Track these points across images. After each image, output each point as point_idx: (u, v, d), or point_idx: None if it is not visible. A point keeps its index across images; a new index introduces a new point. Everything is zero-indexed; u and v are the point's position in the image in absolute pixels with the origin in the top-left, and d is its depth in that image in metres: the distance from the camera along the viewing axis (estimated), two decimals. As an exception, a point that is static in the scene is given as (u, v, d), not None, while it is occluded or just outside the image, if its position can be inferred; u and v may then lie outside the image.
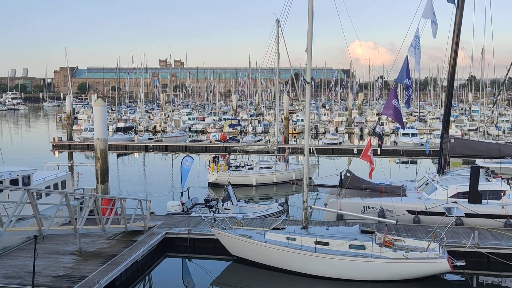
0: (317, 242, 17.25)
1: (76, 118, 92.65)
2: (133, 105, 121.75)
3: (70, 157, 52.01)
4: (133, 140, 59.90)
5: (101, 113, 23.21)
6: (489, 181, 22.53)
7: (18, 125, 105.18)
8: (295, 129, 72.04)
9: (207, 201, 25.19)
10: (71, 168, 34.55)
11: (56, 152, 54.84)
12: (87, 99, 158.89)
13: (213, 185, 34.02)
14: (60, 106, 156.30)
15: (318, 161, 37.01)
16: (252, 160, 38.31)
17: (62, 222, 20.06)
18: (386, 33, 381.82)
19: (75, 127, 74.53)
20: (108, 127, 31.51)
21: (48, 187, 21.51)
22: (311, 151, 33.21)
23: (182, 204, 24.77)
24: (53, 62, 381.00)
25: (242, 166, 36.01)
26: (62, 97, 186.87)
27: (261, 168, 35.67)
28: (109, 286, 15.37)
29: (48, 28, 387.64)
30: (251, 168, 35.43)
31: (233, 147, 44.39)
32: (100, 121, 23.29)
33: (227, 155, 37.08)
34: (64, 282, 14.83)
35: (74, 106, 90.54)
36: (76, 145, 57.22)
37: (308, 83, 19.05)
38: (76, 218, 16.34)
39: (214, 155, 38.40)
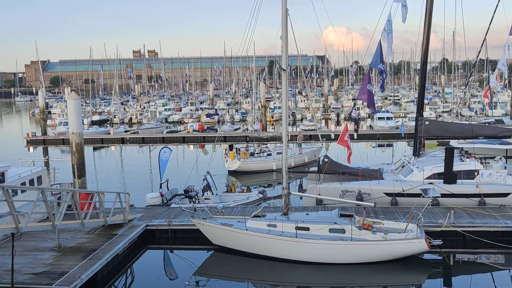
0: (297, 228, 17.42)
1: (49, 112, 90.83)
2: (107, 98, 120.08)
3: (45, 152, 51.14)
4: (109, 133, 59.15)
5: (75, 107, 22.83)
6: (463, 161, 23.01)
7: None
8: (272, 117, 72.19)
9: (186, 192, 25.12)
10: (46, 164, 33.92)
11: (31, 148, 53.82)
12: (60, 92, 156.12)
13: (234, 173, 34.81)
14: (33, 100, 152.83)
15: (322, 144, 38.14)
16: (267, 146, 39.28)
17: (40, 219, 19.81)
18: (359, 18, 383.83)
19: (49, 122, 73.11)
20: (83, 120, 30.97)
21: (24, 184, 21.13)
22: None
23: (162, 195, 24.66)
24: (24, 56, 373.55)
25: (257, 153, 37.02)
26: (34, 91, 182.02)
27: (278, 153, 36.38)
28: (90, 280, 15.27)
29: (16, 22, 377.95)
30: (270, 154, 36.48)
31: (249, 136, 46.19)
32: (75, 115, 22.91)
33: (246, 143, 38.47)
34: (44, 278, 14.67)
35: (47, 101, 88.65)
36: (51, 140, 56.22)
37: (284, 70, 19.07)
38: (54, 214, 16.15)
39: (230, 144, 39.77)
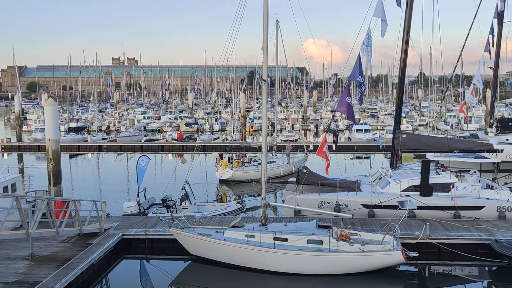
0: (276, 239, 17.41)
1: (25, 118, 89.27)
2: (85, 105, 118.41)
3: (20, 159, 50.18)
4: (86, 140, 58.38)
5: (52, 113, 22.53)
6: (439, 174, 23.37)
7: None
8: (252, 127, 72.33)
9: (164, 201, 24.90)
10: (21, 171, 33.18)
11: (5, 154, 52.78)
12: (37, 98, 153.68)
13: (226, 182, 34.73)
14: (8, 106, 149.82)
15: (306, 155, 38.53)
16: (256, 156, 39.28)
17: (13, 227, 19.34)
18: (339, 32, 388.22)
19: (24, 128, 71.98)
20: (59, 127, 30.63)
21: (-3, 191, 20.67)
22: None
23: (139, 204, 24.39)
24: (0, 61, 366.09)
25: (247, 162, 37.04)
26: (10, 97, 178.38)
27: (268, 162, 36.44)
28: (64, 290, 14.99)
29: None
30: (260, 164, 36.16)
31: (240, 145, 46.38)
32: (51, 121, 22.60)
33: (238, 152, 38.49)
34: (17, 288, 14.33)
35: (23, 106, 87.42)
36: (26, 147, 55.25)
37: (264, 81, 19.17)
38: (28, 222, 15.83)
39: (220, 153, 40.04)
